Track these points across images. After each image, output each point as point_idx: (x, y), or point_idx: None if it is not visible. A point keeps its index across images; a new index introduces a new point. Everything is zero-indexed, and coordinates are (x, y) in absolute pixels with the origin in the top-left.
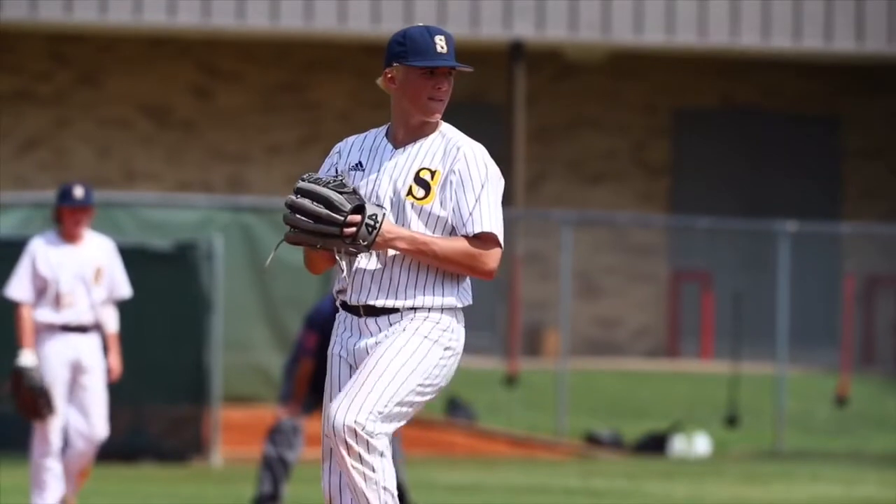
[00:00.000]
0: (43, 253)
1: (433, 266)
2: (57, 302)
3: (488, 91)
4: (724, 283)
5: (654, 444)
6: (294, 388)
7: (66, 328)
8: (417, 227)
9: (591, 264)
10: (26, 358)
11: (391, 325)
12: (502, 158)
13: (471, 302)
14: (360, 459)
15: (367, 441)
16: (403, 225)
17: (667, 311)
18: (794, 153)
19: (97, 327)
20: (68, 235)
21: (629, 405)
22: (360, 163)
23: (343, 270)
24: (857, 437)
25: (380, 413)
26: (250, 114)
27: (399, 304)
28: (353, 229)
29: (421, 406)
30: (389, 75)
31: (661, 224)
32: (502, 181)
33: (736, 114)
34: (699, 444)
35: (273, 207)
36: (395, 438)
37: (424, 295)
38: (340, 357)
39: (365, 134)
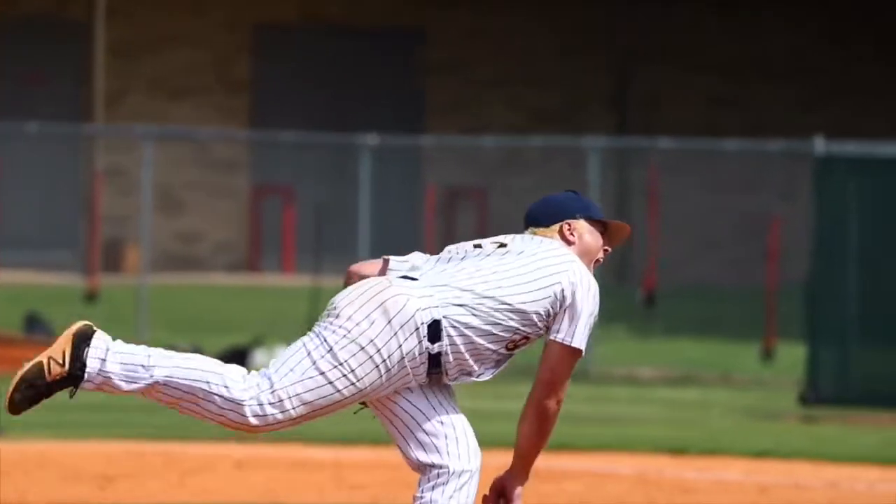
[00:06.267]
0: None
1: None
2: None
3: (68, 6)
4: (307, 198)
5: (236, 358)
6: None
7: None
8: None
9: (171, 179)
10: None
11: None
12: (82, 76)
13: None
14: None
15: None
16: None
17: (248, 226)
18: (379, 68)
19: None
20: None
21: (211, 319)
22: None
23: None
24: None
25: None
26: None
27: None
28: None
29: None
30: None
31: (244, 139)
32: None
33: (319, 29)
34: None
35: None
36: None
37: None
38: None
39: None
